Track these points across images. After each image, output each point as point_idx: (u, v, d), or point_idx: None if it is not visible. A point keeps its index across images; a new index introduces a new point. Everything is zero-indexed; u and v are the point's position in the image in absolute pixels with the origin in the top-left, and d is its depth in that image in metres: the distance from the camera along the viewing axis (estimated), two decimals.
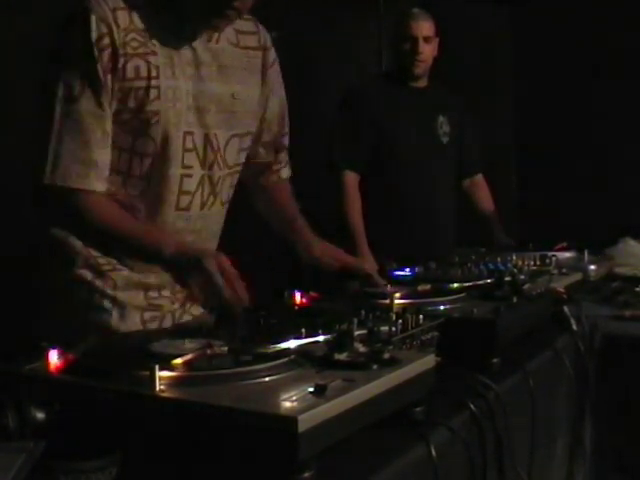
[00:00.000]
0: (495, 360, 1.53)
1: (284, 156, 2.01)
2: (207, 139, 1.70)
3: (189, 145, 1.67)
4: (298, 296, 1.63)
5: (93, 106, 1.55)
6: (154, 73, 1.59)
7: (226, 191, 1.80)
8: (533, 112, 4.89)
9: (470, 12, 4.70)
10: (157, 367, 1.04)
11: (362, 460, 1.09)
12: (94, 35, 1.53)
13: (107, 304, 1.70)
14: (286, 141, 1.99)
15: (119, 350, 1.30)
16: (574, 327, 1.91)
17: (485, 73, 4.82)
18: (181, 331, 1.40)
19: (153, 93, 1.59)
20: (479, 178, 3.57)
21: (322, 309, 1.55)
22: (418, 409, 1.21)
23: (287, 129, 1.97)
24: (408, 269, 2.06)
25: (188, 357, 1.12)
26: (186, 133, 1.65)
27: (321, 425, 0.95)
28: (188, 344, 1.21)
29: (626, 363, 2.04)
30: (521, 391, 1.55)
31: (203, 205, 1.73)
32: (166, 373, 1.06)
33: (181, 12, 1.62)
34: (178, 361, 1.10)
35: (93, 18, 1.53)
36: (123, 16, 1.56)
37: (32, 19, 2.65)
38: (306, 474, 0.96)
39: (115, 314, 1.71)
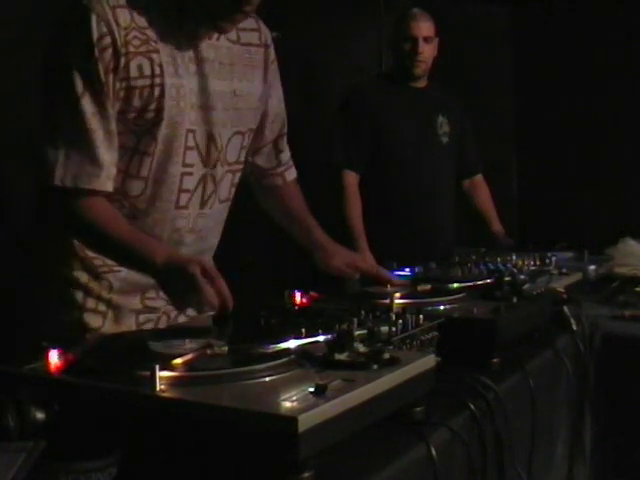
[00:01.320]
0: (495, 360, 1.53)
1: (286, 157, 2.00)
2: (211, 137, 1.68)
3: (191, 143, 1.65)
4: (298, 296, 1.63)
5: (96, 107, 1.54)
6: (157, 71, 1.57)
7: (226, 189, 1.78)
8: (533, 112, 4.89)
9: (470, 12, 4.70)
10: (157, 367, 1.04)
11: (362, 460, 1.09)
12: (95, 35, 1.51)
13: (102, 307, 1.70)
14: (285, 142, 1.98)
15: (119, 350, 1.30)
16: (574, 327, 1.91)
17: (485, 73, 4.82)
18: (181, 331, 1.40)
19: (157, 91, 1.58)
20: (479, 178, 3.57)
21: (322, 309, 1.55)
22: (418, 409, 1.21)
23: (285, 130, 1.97)
24: (408, 269, 2.06)
25: (188, 357, 1.12)
26: (188, 131, 1.64)
27: (321, 425, 0.95)
28: (188, 344, 1.21)
29: (626, 363, 2.04)
30: (521, 391, 1.55)
31: (203, 204, 1.72)
32: (166, 373, 1.06)
33: (186, 12, 1.60)
34: (178, 361, 1.10)
35: (93, 17, 1.51)
36: (123, 14, 1.54)
37: (32, 16, 2.65)
38: (306, 474, 0.96)
39: (110, 317, 1.71)
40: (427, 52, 3.23)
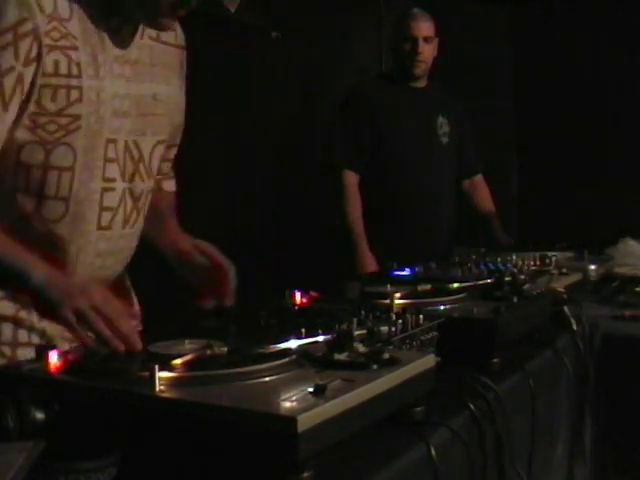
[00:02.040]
0: (495, 360, 1.53)
1: (167, 168, 1.76)
2: (127, 147, 1.49)
3: (111, 155, 1.46)
4: (298, 296, 1.63)
5: None
6: (75, 71, 1.36)
7: (147, 204, 1.58)
8: (533, 112, 4.89)
9: (470, 12, 4.70)
10: (157, 367, 1.04)
11: (362, 460, 1.09)
12: (11, 19, 1.30)
13: (35, 339, 1.47)
14: (173, 153, 1.75)
15: (119, 350, 1.30)
16: (574, 327, 1.91)
17: (485, 73, 4.82)
18: (181, 331, 1.40)
19: (74, 94, 1.37)
20: (479, 178, 3.58)
21: (322, 309, 1.55)
22: (418, 409, 1.21)
23: (178, 141, 1.72)
24: (408, 269, 2.06)
25: (188, 357, 1.12)
26: (109, 141, 1.45)
27: (321, 425, 0.96)
28: (188, 344, 1.21)
29: (626, 363, 2.04)
30: (521, 391, 1.55)
31: (125, 223, 1.52)
32: (166, 373, 1.06)
33: (114, 4, 1.41)
34: (178, 361, 1.10)
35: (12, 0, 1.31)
36: (47, 0, 1.34)
37: None
38: (306, 474, 0.96)
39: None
40: (427, 52, 3.24)
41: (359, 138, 3.22)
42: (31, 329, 1.47)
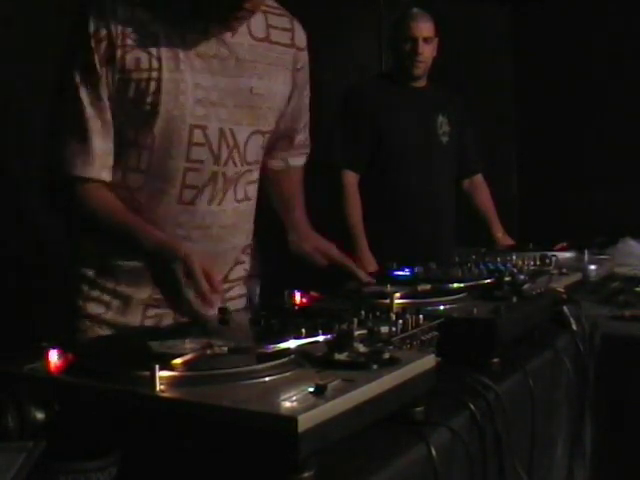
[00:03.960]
0: (495, 360, 1.53)
1: (298, 144, 1.98)
2: (222, 134, 1.67)
3: (199, 139, 1.64)
4: (298, 296, 1.63)
5: (92, 97, 1.57)
6: (155, 65, 1.58)
7: (242, 188, 1.76)
8: (533, 112, 4.89)
9: (470, 12, 4.70)
10: (157, 367, 1.04)
11: (362, 460, 1.09)
12: (91, 28, 1.55)
13: (106, 297, 1.72)
14: (302, 135, 1.97)
15: (119, 350, 1.30)
16: (574, 327, 1.91)
17: (485, 73, 4.82)
18: (181, 331, 1.40)
19: (153, 85, 1.58)
20: (479, 178, 3.57)
21: (322, 309, 1.55)
22: (418, 409, 1.21)
23: (302, 125, 1.95)
24: (408, 269, 2.06)
25: (188, 357, 1.12)
26: (194, 127, 1.63)
27: (321, 425, 0.95)
28: (188, 344, 1.21)
29: (626, 363, 2.04)
30: (521, 391, 1.55)
31: (211, 201, 1.70)
32: (166, 373, 1.06)
33: (196, 7, 1.61)
34: (178, 361, 1.10)
35: (92, 11, 1.55)
36: (123, 8, 1.56)
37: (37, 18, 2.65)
38: (306, 474, 0.96)
39: (114, 306, 1.72)
40: (427, 52, 3.23)
41: (359, 138, 3.22)
42: (103, 289, 1.72)
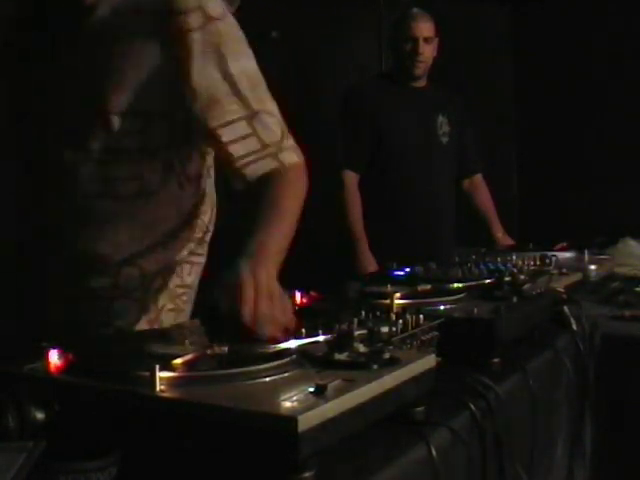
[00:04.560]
0: (495, 360, 1.53)
1: None
2: None
3: None
4: (298, 296, 1.63)
5: None
6: None
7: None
8: (533, 112, 4.89)
9: (470, 12, 4.70)
10: (157, 367, 1.03)
11: (362, 460, 1.09)
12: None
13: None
14: None
15: (119, 350, 1.30)
16: (574, 327, 1.91)
17: (485, 73, 4.82)
18: (181, 331, 1.40)
19: None
20: (478, 178, 3.58)
21: (322, 309, 1.55)
22: (418, 409, 1.21)
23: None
24: (408, 269, 2.06)
25: (188, 357, 1.12)
26: None
27: (321, 425, 0.95)
28: (188, 344, 1.21)
29: (626, 363, 2.04)
30: (521, 391, 1.55)
31: None
32: (166, 373, 1.06)
33: None
34: (178, 361, 1.10)
35: None
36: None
37: None
38: (306, 474, 0.96)
39: None
40: (427, 52, 3.24)
41: (359, 138, 3.22)
42: None
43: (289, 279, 1.68)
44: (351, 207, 3.19)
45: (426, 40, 3.22)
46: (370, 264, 3.09)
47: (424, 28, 3.23)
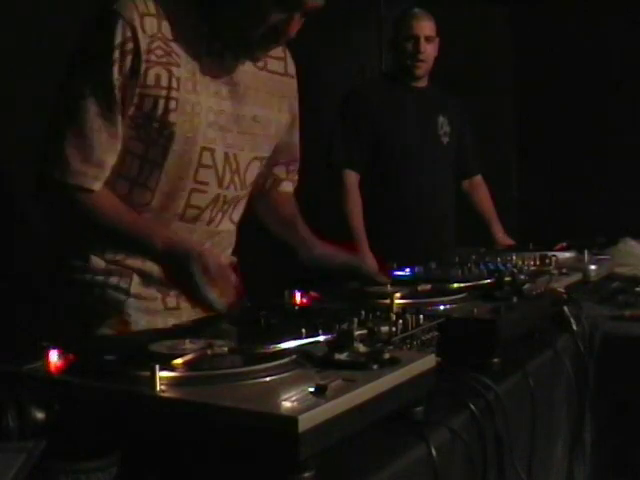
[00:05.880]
0: (495, 360, 1.53)
1: (288, 174, 1.98)
2: (227, 158, 1.69)
3: (207, 162, 1.66)
4: (298, 296, 1.63)
5: (102, 108, 1.54)
6: (175, 84, 1.57)
7: (238, 210, 1.80)
8: (533, 112, 4.89)
9: (470, 12, 4.70)
10: (157, 367, 1.04)
11: (362, 460, 1.09)
12: (118, 38, 1.52)
13: (124, 284, 1.70)
14: (295, 165, 1.98)
15: (119, 350, 1.30)
16: (574, 327, 1.91)
17: (485, 73, 4.82)
18: (181, 331, 1.40)
19: (171, 104, 1.58)
20: (478, 179, 3.58)
21: (322, 309, 1.55)
22: (418, 409, 1.21)
23: (297, 154, 1.97)
24: (408, 269, 2.06)
25: (188, 357, 1.12)
26: (204, 149, 1.64)
27: (321, 425, 0.95)
28: (188, 344, 1.21)
29: (626, 363, 2.04)
30: (521, 391, 1.55)
31: (210, 222, 1.73)
32: (166, 373, 1.06)
33: (217, 33, 1.61)
34: (178, 361, 1.10)
35: (120, 21, 1.52)
36: (151, 22, 1.55)
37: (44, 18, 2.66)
38: (306, 474, 0.96)
39: (135, 282, 1.70)
40: (428, 51, 3.24)
41: (359, 138, 3.22)
42: (121, 275, 1.70)
43: (289, 279, 1.68)
44: (351, 207, 3.19)
45: (427, 39, 3.22)
46: (371, 264, 3.08)
47: (425, 27, 3.23)
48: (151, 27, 1.55)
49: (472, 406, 1.33)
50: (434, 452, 1.16)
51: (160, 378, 1.03)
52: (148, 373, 1.04)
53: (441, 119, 3.36)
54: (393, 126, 3.25)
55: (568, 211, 4.64)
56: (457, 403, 1.33)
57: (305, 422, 0.93)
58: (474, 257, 2.25)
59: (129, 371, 1.09)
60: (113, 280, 1.70)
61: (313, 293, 1.66)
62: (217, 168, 1.68)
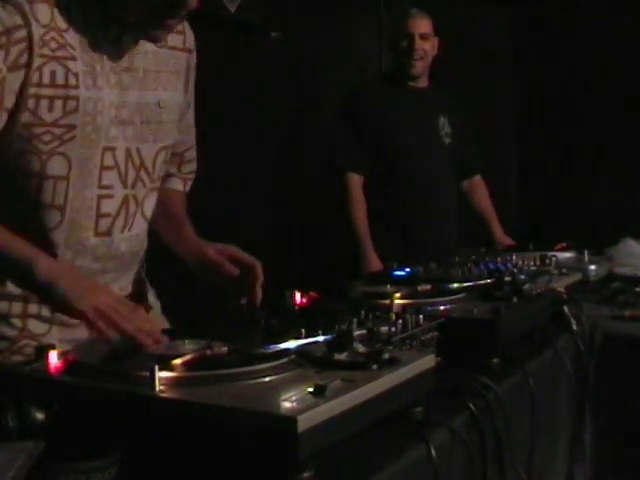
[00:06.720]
0: (495, 360, 1.53)
1: (180, 169, 1.76)
2: (128, 154, 1.50)
3: (109, 162, 1.47)
4: (298, 296, 1.63)
5: None
6: (73, 81, 1.37)
7: (150, 207, 1.59)
8: (533, 112, 4.89)
9: (470, 12, 4.70)
10: (157, 367, 1.04)
11: (362, 460, 1.09)
12: (7, 23, 1.30)
13: (46, 312, 1.49)
14: (193, 154, 1.77)
15: (119, 350, 1.30)
16: (574, 327, 1.91)
17: (485, 73, 4.82)
18: (181, 331, 1.40)
19: (70, 105, 1.38)
20: (478, 179, 3.58)
21: (322, 309, 1.55)
22: (418, 409, 1.21)
23: (193, 140, 1.75)
24: (408, 269, 2.06)
25: (188, 357, 1.12)
26: (105, 149, 1.45)
27: (321, 425, 0.96)
28: (188, 344, 1.21)
29: (626, 363, 2.04)
30: (521, 391, 1.55)
31: (124, 227, 1.53)
32: (166, 373, 1.06)
33: (111, 17, 1.41)
34: (178, 361, 1.10)
35: (7, 7, 1.31)
36: (44, 10, 1.34)
37: None
38: (306, 474, 0.96)
39: (57, 322, 1.51)
40: (424, 48, 3.24)
41: (361, 140, 3.21)
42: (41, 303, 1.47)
43: (289, 279, 1.68)
44: (356, 210, 3.18)
45: (422, 37, 3.22)
46: (376, 266, 3.09)
47: (420, 25, 3.24)
48: (44, 15, 1.34)
49: (472, 406, 1.33)
50: (434, 452, 1.16)
51: (159, 378, 1.04)
52: (148, 373, 1.04)
53: (442, 120, 3.36)
54: (394, 127, 3.25)
55: (568, 211, 4.64)
56: (457, 403, 1.34)
57: (304, 422, 0.93)
58: (474, 257, 2.25)
59: (129, 371, 1.09)
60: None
61: (313, 293, 1.66)
62: (119, 168, 1.48)
